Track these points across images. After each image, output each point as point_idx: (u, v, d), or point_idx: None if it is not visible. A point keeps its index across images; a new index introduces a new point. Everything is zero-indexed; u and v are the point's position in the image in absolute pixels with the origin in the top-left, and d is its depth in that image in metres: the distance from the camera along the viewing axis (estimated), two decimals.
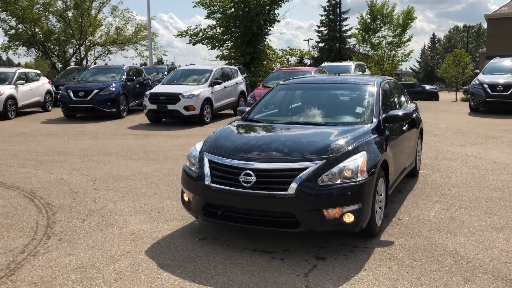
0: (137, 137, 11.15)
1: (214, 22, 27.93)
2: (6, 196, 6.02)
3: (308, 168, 3.96)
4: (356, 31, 25.83)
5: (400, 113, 5.10)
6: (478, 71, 17.22)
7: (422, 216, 5.09)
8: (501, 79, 14.93)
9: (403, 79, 71.03)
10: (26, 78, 16.80)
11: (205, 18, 27.79)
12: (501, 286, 3.46)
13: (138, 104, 16.08)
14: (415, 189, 6.21)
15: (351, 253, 4.09)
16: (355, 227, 4.02)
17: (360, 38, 24.71)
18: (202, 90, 13.71)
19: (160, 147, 9.69)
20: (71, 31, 29.30)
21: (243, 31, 26.26)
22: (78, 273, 3.71)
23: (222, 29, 27.87)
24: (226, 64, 24.50)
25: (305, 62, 51.49)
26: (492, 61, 16.91)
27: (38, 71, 18.73)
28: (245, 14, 25.84)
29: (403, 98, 6.63)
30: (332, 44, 54.03)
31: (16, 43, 28.71)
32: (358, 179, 3.99)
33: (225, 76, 15.55)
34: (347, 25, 53.96)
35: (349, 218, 3.96)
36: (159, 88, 14.14)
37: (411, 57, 27.00)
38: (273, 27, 27.79)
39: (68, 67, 25.00)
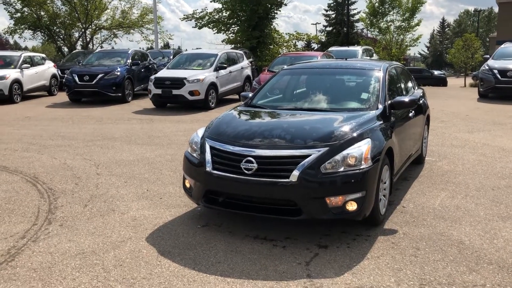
0: (142, 122, 11.10)
1: (220, 6, 27.68)
2: (9, 180, 6.01)
3: (310, 155, 3.88)
4: (364, 15, 25.46)
5: (406, 99, 4.99)
6: (488, 56, 16.93)
7: (427, 204, 5.01)
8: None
9: (411, 64, 70.36)
10: (32, 62, 16.74)
11: (211, 1, 27.47)
12: (507, 277, 3.39)
13: (143, 89, 16.00)
14: (421, 176, 6.13)
15: (353, 241, 4.03)
16: (358, 215, 3.95)
17: (368, 22, 24.35)
18: (207, 75, 13.60)
19: (164, 132, 9.64)
20: (76, 15, 29.15)
21: (249, 15, 26.00)
22: (78, 259, 3.69)
23: (228, 12, 27.61)
24: (232, 48, 24.31)
25: (312, 47, 51.02)
26: (502, 46, 16.61)
27: (44, 55, 18.68)
28: None
29: (410, 84, 6.50)
30: (340, 28, 53.39)
31: (22, 26, 28.62)
32: (362, 167, 3.91)
33: (230, 60, 15.41)
34: (355, 9, 53.12)
35: (352, 207, 3.90)
36: (164, 73, 14.04)
37: (419, 42, 26.62)
38: (280, 10, 27.59)
39: (73, 51, 24.91)
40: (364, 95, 5.06)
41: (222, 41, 27.88)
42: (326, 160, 3.88)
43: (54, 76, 17.96)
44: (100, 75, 14.60)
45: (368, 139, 4.11)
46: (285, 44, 28.44)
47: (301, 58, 14.45)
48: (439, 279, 3.35)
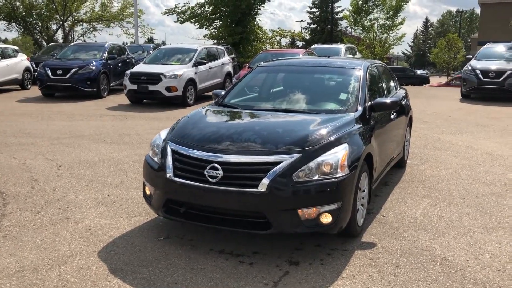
0: (114, 119, 10.60)
1: (203, 0, 27.10)
2: None
3: (282, 162, 3.51)
4: (348, 13, 25.19)
5: (387, 100, 4.65)
6: (471, 56, 16.80)
7: (408, 213, 4.69)
8: (494, 65, 14.51)
9: (394, 63, 70.51)
10: (2, 54, 16.04)
11: None
12: None
13: (120, 84, 15.44)
14: (402, 181, 5.81)
15: (328, 256, 3.67)
16: (333, 228, 3.60)
17: (352, 20, 24.09)
18: (185, 70, 13.12)
19: (136, 130, 9.17)
20: (54, 6, 28.26)
21: (232, 10, 25.49)
22: (15, 279, 3.25)
23: (211, 7, 27.05)
24: (214, 44, 23.81)
25: (297, 44, 50.69)
26: (485, 46, 16.48)
27: (16, 47, 17.94)
28: None
29: (392, 84, 6.18)
30: (324, 26, 53.19)
31: None
32: (337, 175, 3.55)
33: (210, 56, 14.95)
34: (339, 7, 53.01)
35: (326, 219, 3.54)
36: (140, 68, 13.52)
37: (403, 41, 26.50)
38: (263, 6, 27.03)
39: (50, 44, 24.11)
40: (343, 96, 4.70)
41: (204, 36, 27.32)
42: (299, 167, 3.50)
43: (27, 69, 17.24)
44: (74, 69, 13.98)
45: (346, 145, 3.75)
46: (268, 41, 28.03)
47: (283, 55, 14.06)
48: None
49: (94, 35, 32.16)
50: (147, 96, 13.20)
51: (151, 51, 19.38)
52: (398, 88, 6.52)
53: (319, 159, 3.56)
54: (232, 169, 3.54)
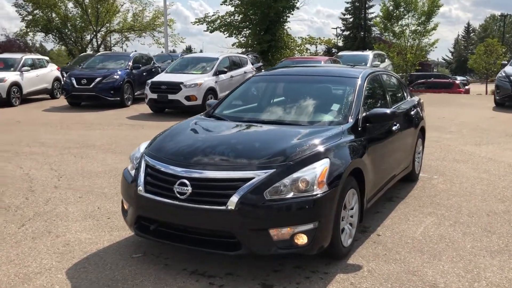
0: (131, 128, 10.64)
1: (233, 9, 27.23)
2: None
3: (254, 178, 3.29)
4: (378, 19, 24.57)
5: (385, 111, 4.34)
6: (506, 62, 16.00)
7: (407, 232, 4.35)
8: None
9: (435, 70, 68.60)
10: (33, 65, 16.52)
11: (221, 4, 27.08)
12: None
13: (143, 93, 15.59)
14: (409, 196, 5.46)
15: (306, 280, 3.41)
16: (310, 249, 3.34)
17: (382, 26, 23.48)
18: (205, 80, 13.08)
19: (149, 139, 9.12)
20: (88, 18, 29.07)
21: (260, 18, 25.45)
22: None
23: (240, 16, 27.12)
24: (242, 52, 23.78)
25: (333, 51, 50.15)
26: None
27: (47, 58, 18.46)
28: (262, 0, 24.97)
29: (399, 93, 5.84)
30: (356, 32, 52.43)
31: (34, 29, 28.68)
32: (314, 193, 3.30)
33: (233, 65, 14.86)
34: (372, 13, 51.89)
35: (302, 240, 3.29)
36: (161, 77, 13.59)
37: (436, 47, 25.57)
38: (292, 14, 26.84)
39: (82, 54, 24.76)
40: (335, 106, 4.43)
41: (233, 45, 27.39)
42: (272, 183, 3.27)
43: (57, 79, 17.68)
44: (98, 79, 14.23)
45: (326, 159, 3.48)
46: (297, 48, 27.78)
47: (305, 62, 13.84)
48: None
49: (127, 45, 32.93)
50: (167, 105, 13.24)
51: None
52: (409, 97, 6.16)
53: (295, 175, 3.32)
54: (201, 185, 3.35)
